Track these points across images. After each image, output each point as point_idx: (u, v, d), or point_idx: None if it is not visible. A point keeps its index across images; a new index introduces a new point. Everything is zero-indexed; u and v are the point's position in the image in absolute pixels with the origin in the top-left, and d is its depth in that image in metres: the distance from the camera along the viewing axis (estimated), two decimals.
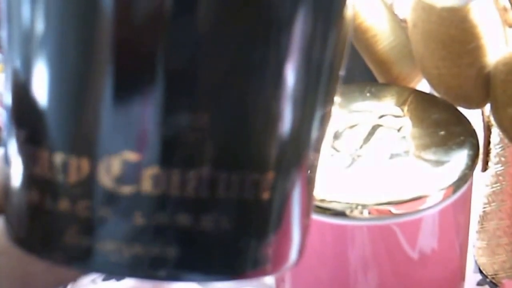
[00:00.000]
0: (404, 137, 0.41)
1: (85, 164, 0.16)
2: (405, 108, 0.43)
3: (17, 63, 0.17)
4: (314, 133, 0.18)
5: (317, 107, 0.17)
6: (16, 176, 0.17)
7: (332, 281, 0.40)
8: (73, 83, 0.16)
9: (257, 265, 0.18)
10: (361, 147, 0.40)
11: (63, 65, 0.16)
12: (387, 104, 0.44)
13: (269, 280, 0.47)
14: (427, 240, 0.38)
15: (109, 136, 0.16)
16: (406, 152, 0.39)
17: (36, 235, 0.17)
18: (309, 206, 0.19)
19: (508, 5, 0.43)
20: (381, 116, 0.42)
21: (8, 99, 0.17)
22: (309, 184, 0.18)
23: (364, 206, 0.36)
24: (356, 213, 0.36)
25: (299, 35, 0.16)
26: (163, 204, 0.16)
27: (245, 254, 0.17)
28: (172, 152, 0.16)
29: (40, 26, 0.16)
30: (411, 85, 0.50)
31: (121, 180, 0.16)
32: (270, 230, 0.17)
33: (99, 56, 0.15)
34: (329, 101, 0.18)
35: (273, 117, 0.16)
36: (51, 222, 0.16)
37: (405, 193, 0.36)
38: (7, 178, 0.18)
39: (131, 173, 0.16)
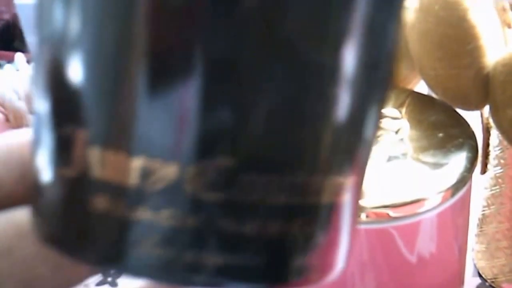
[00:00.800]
0: (402, 139, 0.41)
1: (172, 170, 0.15)
2: (403, 110, 0.43)
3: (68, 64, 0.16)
4: (369, 134, 0.17)
5: (372, 109, 0.17)
6: (70, 180, 0.16)
7: (329, 284, 0.39)
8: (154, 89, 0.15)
9: (302, 274, 0.17)
10: None
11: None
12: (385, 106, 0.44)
13: None
14: (426, 244, 0.38)
15: (199, 140, 0.15)
16: (404, 155, 0.39)
17: (73, 234, 0.16)
18: (358, 211, 0.18)
19: (507, 5, 0.43)
20: None
21: (54, 93, 0.16)
22: (359, 188, 0.18)
23: (362, 209, 0.36)
24: None
25: (358, 24, 0.15)
26: (255, 211, 0.15)
27: (290, 263, 0.16)
28: (261, 157, 0.15)
29: (76, 20, 0.15)
30: (409, 86, 0.50)
31: (213, 187, 0.15)
32: (319, 238, 0.17)
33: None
34: (383, 104, 0.18)
35: (328, 114, 0.15)
36: (126, 232, 0.15)
37: (403, 196, 0.36)
38: (47, 178, 0.17)
39: (225, 180, 0.15)
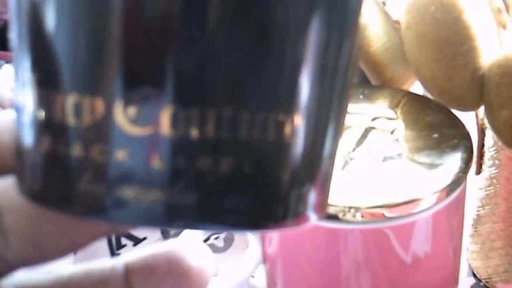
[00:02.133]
0: (397, 139, 0.41)
1: (99, 104, 0.15)
2: (398, 110, 0.43)
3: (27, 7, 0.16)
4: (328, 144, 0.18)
5: (332, 107, 0.17)
6: (28, 125, 0.16)
7: (325, 285, 0.40)
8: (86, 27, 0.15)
9: (276, 216, 0.17)
10: (354, 149, 0.40)
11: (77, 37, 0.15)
12: (380, 107, 0.44)
13: (261, 284, 0.47)
14: (420, 244, 0.38)
15: (123, 73, 0.15)
16: (399, 155, 0.39)
17: (49, 186, 0.16)
18: (334, 158, 0.19)
19: (502, 6, 0.43)
20: (374, 119, 0.42)
21: (16, 41, 0.17)
22: (330, 146, 0.18)
23: (357, 209, 0.36)
24: (349, 216, 0.36)
25: (313, 43, 0.16)
26: (181, 146, 0.15)
27: (266, 202, 0.17)
28: (190, 89, 0.15)
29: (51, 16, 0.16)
30: (405, 87, 0.50)
31: (138, 120, 0.15)
32: (291, 177, 0.17)
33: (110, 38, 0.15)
34: (344, 111, 0.18)
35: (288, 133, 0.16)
36: (64, 170, 0.16)
37: (398, 196, 0.36)
38: (17, 130, 0.17)
39: (148, 113, 0.15)
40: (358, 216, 0.36)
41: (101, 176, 0.16)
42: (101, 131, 0.15)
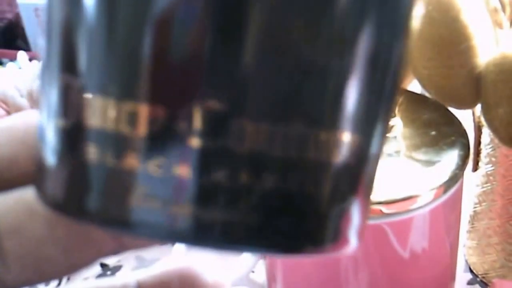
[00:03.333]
0: (395, 137, 0.41)
1: (161, 112, 0.14)
2: (396, 108, 0.43)
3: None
4: (370, 97, 0.16)
5: (380, 114, 0.16)
6: (62, 133, 0.16)
7: (323, 280, 0.40)
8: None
9: (315, 240, 0.16)
10: None
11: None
12: None
13: (261, 279, 0.47)
14: (418, 240, 0.38)
15: (189, 82, 0.14)
16: (397, 152, 0.40)
17: (78, 195, 0.15)
18: (371, 189, 0.18)
19: (498, 6, 0.43)
20: None
21: (54, 41, 0.16)
22: (366, 156, 0.17)
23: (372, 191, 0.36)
24: None
25: (361, 62, 0.15)
26: (226, 161, 0.14)
27: (305, 225, 0.15)
28: (261, 104, 0.14)
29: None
30: (402, 85, 0.50)
31: (204, 134, 0.14)
32: (321, 200, 0.16)
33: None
34: (390, 115, 0.17)
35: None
36: (97, 179, 0.15)
37: (396, 192, 0.36)
38: (44, 138, 0.16)
39: (216, 126, 0.14)
40: None
41: (136, 189, 0.14)
42: (162, 143, 0.14)
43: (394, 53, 0.16)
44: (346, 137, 0.15)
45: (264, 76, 0.14)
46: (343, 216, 0.16)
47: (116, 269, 0.55)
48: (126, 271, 0.55)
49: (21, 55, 0.74)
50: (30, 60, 0.73)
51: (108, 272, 0.54)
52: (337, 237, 0.16)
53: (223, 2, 0.14)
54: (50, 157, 0.16)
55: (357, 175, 0.16)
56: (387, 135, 0.17)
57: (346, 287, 0.40)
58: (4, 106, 0.61)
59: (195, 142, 0.14)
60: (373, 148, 0.16)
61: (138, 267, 0.55)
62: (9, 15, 0.91)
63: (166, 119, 0.14)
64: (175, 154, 0.14)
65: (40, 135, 0.16)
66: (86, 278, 0.53)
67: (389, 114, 0.17)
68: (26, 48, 0.85)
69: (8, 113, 0.61)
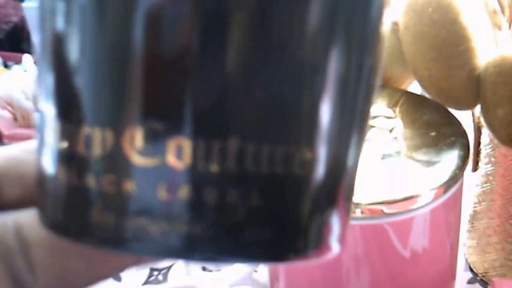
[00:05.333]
0: (395, 138, 0.41)
1: (109, 136, 0.15)
2: (397, 109, 0.43)
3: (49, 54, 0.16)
4: (347, 116, 0.17)
5: (354, 128, 0.17)
6: (47, 155, 0.17)
7: (326, 279, 0.40)
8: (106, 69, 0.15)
9: (297, 248, 0.16)
10: None
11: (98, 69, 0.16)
12: (379, 106, 0.44)
13: (264, 278, 0.47)
14: (419, 239, 0.39)
15: (132, 105, 0.15)
16: (398, 153, 0.40)
17: (68, 217, 0.16)
18: (351, 195, 0.18)
19: (497, 8, 0.43)
20: (373, 117, 0.42)
21: (37, 71, 0.17)
22: (351, 178, 0.18)
23: (356, 206, 0.36)
24: None
25: (332, 77, 0.16)
26: (189, 177, 0.15)
27: (286, 235, 0.16)
28: (204, 122, 0.15)
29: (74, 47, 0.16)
30: (403, 86, 0.50)
31: (145, 152, 0.15)
32: (312, 208, 0.16)
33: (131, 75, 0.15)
34: (365, 126, 0.18)
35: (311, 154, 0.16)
36: (80, 201, 0.16)
37: (397, 193, 0.36)
38: (37, 162, 0.17)
39: (155, 144, 0.15)
40: (358, 212, 0.36)
41: (111, 206, 0.15)
42: (110, 162, 0.15)
43: (364, 69, 0.16)
44: (321, 153, 0.16)
45: (234, 96, 0.15)
46: (324, 225, 0.17)
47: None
48: (131, 271, 0.55)
49: (27, 58, 0.74)
50: (35, 63, 0.73)
51: None
52: (319, 245, 0.17)
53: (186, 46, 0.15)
54: (42, 180, 0.17)
55: (335, 187, 0.17)
56: (363, 146, 0.18)
57: (348, 286, 0.40)
58: (10, 108, 0.62)
59: (139, 160, 0.15)
60: (350, 161, 0.17)
61: (142, 268, 0.55)
62: (15, 19, 0.91)
63: (113, 140, 0.15)
64: (123, 172, 0.15)
65: (36, 159, 0.17)
66: None
67: (364, 127, 0.17)
68: (31, 51, 0.86)
69: (14, 115, 0.61)
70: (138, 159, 0.15)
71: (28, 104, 0.61)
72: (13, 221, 0.18)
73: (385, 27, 0.17)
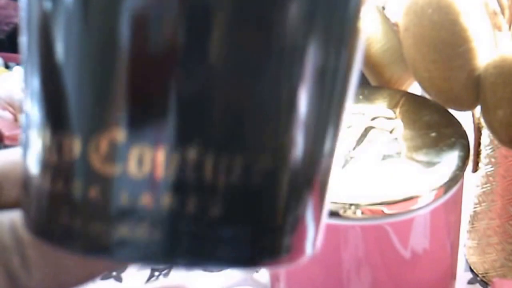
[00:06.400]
0: (396, 138, 0.41)
1: (76, 143, 0.16)
2: (397, 110, 0.44)
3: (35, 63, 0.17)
4: (328, 146, 0.17)
5: (330, 123, 0.17)
6: (28, 160, 0.17)
7: (326, 280, 0.40)
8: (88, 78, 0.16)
9: (271, 252, 0.16)
10: (354, 148, 0.40)
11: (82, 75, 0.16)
12: (380, 107, 0.44)
13: (264, 279, 0.47)
14: (419, 240, 0.39)
15: (97, 114, 0.15)
16: (398, 154, 0.40)
17: (49, 222, 0.16)
18: (324, 198, 0.18)
19: (497, 9, 0.43)
20: (373, 118, 0.43)
21: (25, 80, 0.17)
22: (324, 181, 0.18)
23: (357, 206, 0.36)
24: (349, 213, 0.36)
25: (311, 62, 0.16)
26: (148, 186, 0.15)
27: (263, 241, 0.16)
28: (162, 132, 0.15)
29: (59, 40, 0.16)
30: (403, 87, 0.50)
31: (110, 159, 0.15)
32: (284, 213, 0.16)
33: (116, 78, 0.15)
34: (340, 120, 0.18)
35: (288, 142, 0.16)
36: (58, 206, 0.16)
37: (397, 193, 0.36)
38: (23, 166, 0.17)
39: (118, 153, 0.15)
40: (359, 213, 0.36)
41: (77, 211, 0.16)
42: (76, 168, 0.16)
43: (340, 65, 0.17)
44: (296, 150, 0.16)
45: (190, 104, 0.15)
46: (297, 228, 0.17)
47: (121, 269, 0.55)
48: (132, 271, 0.55)
49: None
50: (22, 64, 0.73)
51: (114, 273, 0.55)
52: (292, 248, 0.17)
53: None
54: (25, 185, 0.17)
55: (308, 185, 0.17)
56: (338, 141, 0.18)
57: (348, 287, 0.40)
58: (10, 109, 0.62)
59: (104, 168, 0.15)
60: (324, 156, 0.17)
61: (143, 268, 0.55)
62: (16, 20, 0.91)
63: (80, 148, 0.15)
64: (89, 179, 0.15)
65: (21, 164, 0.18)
66: None
67: (338, 125, 0.17)
68: None
69: (15, 116, 0.62)
70: (101, 167, 0.15)
71: None
72: (9, 220, 0.19)
73: (363, 21, 0.17)
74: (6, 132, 0.61)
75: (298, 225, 0.17)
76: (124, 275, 0.55)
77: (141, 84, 0.15)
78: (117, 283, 0.54)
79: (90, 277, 0.19)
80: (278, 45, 0.15)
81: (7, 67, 0.82)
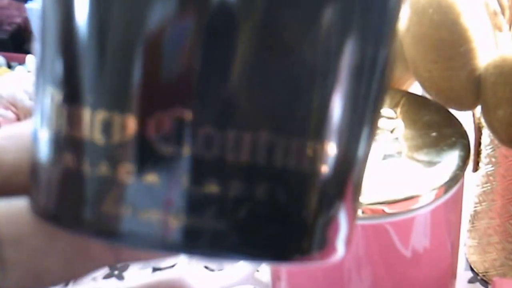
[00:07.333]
0: (396, 138, 0.41)
1: (131, 122, 0.14)
2: (398, 110, 0.44)
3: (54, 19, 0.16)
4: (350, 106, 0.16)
5: (366, 125, 0.17)
6: (48, 141, 0.16)
7: (327, 279, 0.40)
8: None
9: (303, 248, 0.16)
10: None
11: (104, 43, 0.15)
12: None
13: (266, 278, 0.47)
14: (420, 239, 0.39)
15: (159, 92, 0.14)
16: (399, 153, 0.40)
17: (68, 205, 0.15)
18: (358, 196, 0.18)
19: (498, 9, 0.43)
20: None
21: (41, 57, 0.16)
22: (358, 177, 0.17)
23: (360, 201, 0.36)
24: None
25: (345, 73, 0.15)
26: (214, 170, 0.14)
27: (296, 235, 0.16)
28: (228, 112, 0.14)
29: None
30: (404, 87, 0.50)
31: (170, 141, 0.14)
32: (321, 207, 0.16)
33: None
34: (376, 122, 0.17)
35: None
36: (87, 189, 0.15)
37: (398, 193, 0.36)
38: (35, 148, 0.16)
39: (182, 135, 0.14)
40: (359, 212, 0.36)
41: (126, 197, 0.15)
42: (130, 150, 0.15)
43: (378, 63, 0.16)
44: (332, 147, 0.16)
45: (251, 91, 0.15)
46: (330, 225, 0.16)
47: (123, 268, 0.55)
48: (133, 270, 0.55)
49: (30, 58, 0.74)
50: (38, 45, 0.73)
51: (116, 272, 0.55)
52: (324, 246, 0.16)
53: (211, 34, 0.14)
54: (40, 167, 0.16)
55: (343, 184, 0.16)
56: (373, 142, 0.17)
57: (349, 286, 0.40)
58: (13, 109, 0.62)
59: (170, 150, 0.14)
60: (359, 157, 0.17)
61: (145, 267, 0.55)
62: (18, 20, 0.91)
63: (138, 129, 0.15)
64: (147, 163, 0.15)
65: (32, 145, 0.17)
66: (94, 278, 0.53)
67: (375, 122, 0.17)
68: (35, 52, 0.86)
69: (17, 116, 0.62)
70: (161, 149, 0.14)
71: (31, 105, 0.61)
72: None
73: (399, 24, 0.17)
74: None
75: (334, 220, 0.16)
76: (126, 273, 0.55)
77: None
78: (119, 282, 0.54)
79: (73, 277, 0.19)
80: (311, 60, 0.15)
81: (9, 66, 0.82)
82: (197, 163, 0.14)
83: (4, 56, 0.83)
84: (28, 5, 0.83)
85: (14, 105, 0.61)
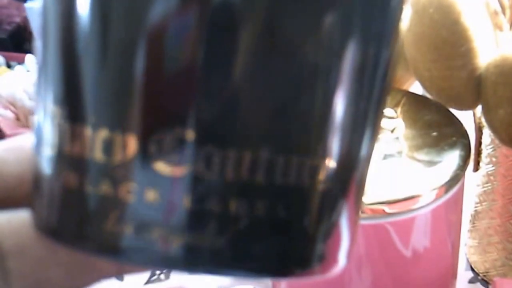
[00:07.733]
0: (397, 138, 0.41)
1: (132, 142, 0.15)
2: (398, 109, 0.44)
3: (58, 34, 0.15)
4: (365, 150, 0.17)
5: (368, 128, 0.16)
6: (50, 158, 0.16)
7: (327, 278, 0.40)
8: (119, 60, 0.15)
9: (304, 263, 0.16)
10: None
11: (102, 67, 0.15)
12: None
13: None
14: (420, 239, 0.39)
15: (160, 112, 0.14)
16: (399, 153, 0.40)
17: (69, 222, 0.15)
18: (359, 206, 0.18)
19: (498, 8, 0.43)
20: None
21: (42, 74, 0.16)
22: (359, 187, 0.17)
23: (361, 206, 0.36)
24: None
25: (349, 72, 0.15)
26: (214, 188, 0.14)
27: (296, 250, 0.16)
28: (226, 132, 0.14)
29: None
30: (404, 87, 0.50)
31: (171, 160, 0.14)
32: (322, 222, 0.16)
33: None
34: (378, 123, 0.17)
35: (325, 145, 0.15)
36: (89, 207, 0.15)
37: (398, 192, 0.36)
38: (37, 163, 0.16)
39: (182, 154, 0.14)
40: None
41: (127, 216, 0.15)
42: (131, 169, 0.15)
43: (380, 64, 0.16)
44: (332, 162, 0.16)
45: (252, 105, 0.14)
46: (331, 239, 0.16)
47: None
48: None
49: (29, 58, 0.74)
50: (38, 62, 0.73)
51: None
52: (326, 259, 0.16)
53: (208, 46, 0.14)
54: (42, 183, 0.16)
55: (343, 197, 0.16)
56: (373, 155, 0.17)
57: (349, 286, 0.40)
58: (12, 108, 0.62)
59: (164, 169, 0.14)
60: (361, 165, 0.17)
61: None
62: (17, 19, 0.91)
63: (139, 148, 0.15)
64: (148, 182, 0.15)
65: (34, 160, 0.17)
66: None
67: (376, 127, 0.17)
68: (34, 51, 0.86)
69: (16, 115, 0.62)
70: (162, 168, 0.15)
71: (31, 104, 0.61)
72: None
73: (400, 27, 0.17)
74: (8, 131, 0.61)
75: (332, 236, 0.16)
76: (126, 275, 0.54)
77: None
78: (118, 282, 0.54)
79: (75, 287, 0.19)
80: (313, 58, 0.15)
81: (9, 66, 0.82)
82: (198, 181, 0.15)
83: (3, 55, 0.83)
84: (27, 5, 0.83)
85: (13, 104, 0.61)
